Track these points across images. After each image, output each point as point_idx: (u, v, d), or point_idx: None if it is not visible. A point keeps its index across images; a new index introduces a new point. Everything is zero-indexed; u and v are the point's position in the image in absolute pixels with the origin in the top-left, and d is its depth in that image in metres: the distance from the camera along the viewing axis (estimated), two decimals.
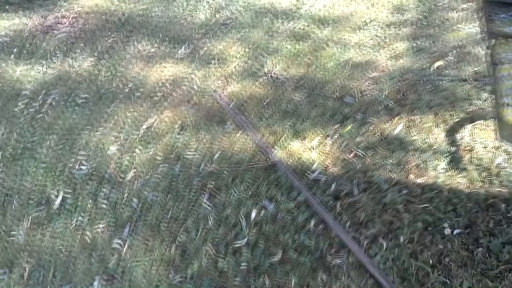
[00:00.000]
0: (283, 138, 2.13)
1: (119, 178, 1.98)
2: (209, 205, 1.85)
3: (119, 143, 2.14)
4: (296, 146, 2.10)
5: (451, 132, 2.07)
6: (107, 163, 2.05)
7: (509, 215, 1.77)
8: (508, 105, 0.89)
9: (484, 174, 1.93)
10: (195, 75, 2.51)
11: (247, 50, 2.70)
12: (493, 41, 1.10)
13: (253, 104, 2.32)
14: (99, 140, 2.17)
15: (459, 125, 2.10)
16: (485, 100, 2.16)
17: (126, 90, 2.44)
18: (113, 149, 2.11)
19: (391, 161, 2.01)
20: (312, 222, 1.78)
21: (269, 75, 2.52)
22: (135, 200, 1.90)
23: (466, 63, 2.42)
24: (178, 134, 2.17)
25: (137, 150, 2.10)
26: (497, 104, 0.93)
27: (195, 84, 2.45)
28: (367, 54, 2.62)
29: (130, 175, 1.99)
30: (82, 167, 2.04)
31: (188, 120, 2.23)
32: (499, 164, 1.94)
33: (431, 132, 2.09)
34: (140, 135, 2.17)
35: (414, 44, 2.63)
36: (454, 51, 2.50)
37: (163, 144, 2.12)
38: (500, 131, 0.88)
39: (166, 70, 2.57)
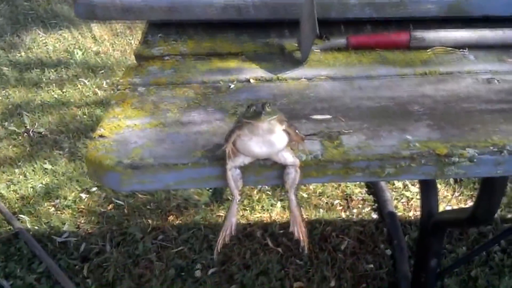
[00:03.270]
0: (32, 201, 1.93)
1: None
2: None
3: None
4: (46, 208, 1.90)
5: None
6: None
7: (265, 241, 1.72)
8: (101, 135, 0.78)
9: (246, 201, 1.88)
10: None
11: (8, 108, 2.48)
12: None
13: (3, 168, 2.10)
14: None
15: None
16: None
17: None
18: None
19: (150, 206, 1.89)
20: None
21: (30, 131, 2.31)
22: None
23: None
24: None
25: None
26: None
27: None
28: None
29: None
30: None
31: None
32: (261, 187, 1.91)
33: None
34: None
35: None
36: None
37: None
38: (88, 170, 0.77)
39: None
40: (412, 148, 0.71)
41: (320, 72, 0.92)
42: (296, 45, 1.01)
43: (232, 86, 0.89)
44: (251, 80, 0.91)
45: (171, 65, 0.97)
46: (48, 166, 2.10)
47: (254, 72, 0.93)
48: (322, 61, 0.97)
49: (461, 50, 0.98)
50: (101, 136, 0.78)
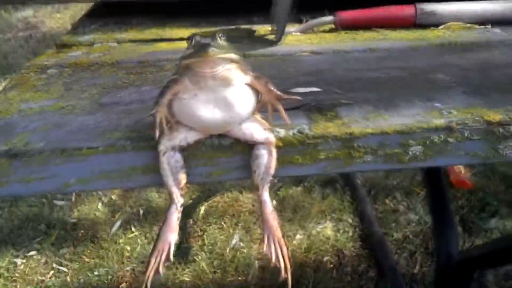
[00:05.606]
0: None
1: None
2: None
3: None
4: None
5: None
6: None
7: None
8: None
9: (216, 262, 1.59)
10: None
11: None
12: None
13: None
14: None
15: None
16: None
17: None
18: None
19: (99, 271, 1.58)
20: None
21: None
22: None
23: None
24: None
25: None
26: None
27: None
28: None
29: None
30: None
31: None
32: (235, 244, 1.63)
33: None
34: None
35: None
36: None
37: None
38: None
39: None
40: (447, 116, 0.48)
41: (301, 49, 0.69)
42: (270, 28, 0.79)
43: None
44: None
45: (101, 49, 0.74)
46: None
47: None
48: (303, 40, 0.74)
49: (483, 25, 0.77)
50: None
